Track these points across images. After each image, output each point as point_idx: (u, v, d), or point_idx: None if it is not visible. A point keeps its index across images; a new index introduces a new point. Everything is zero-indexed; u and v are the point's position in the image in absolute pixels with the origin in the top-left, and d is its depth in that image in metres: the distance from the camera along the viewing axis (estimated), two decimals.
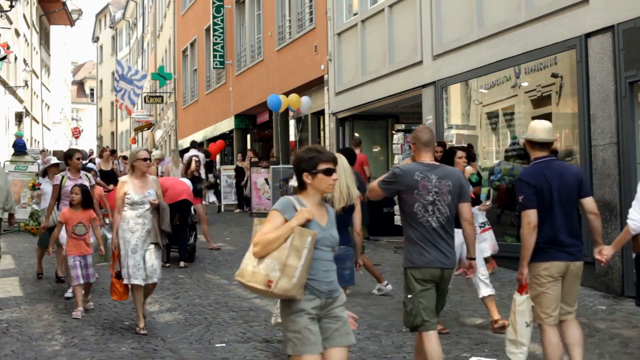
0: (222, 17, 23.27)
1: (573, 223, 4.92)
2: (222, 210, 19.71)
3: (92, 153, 22.11)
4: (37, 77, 39.45)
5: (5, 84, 29.37)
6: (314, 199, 3.91)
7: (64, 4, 39.16)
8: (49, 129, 45.57)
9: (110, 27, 62.28)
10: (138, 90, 25.51)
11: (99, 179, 11.75)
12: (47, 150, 23.15)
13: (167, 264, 10.23)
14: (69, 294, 8.29)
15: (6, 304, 8.22)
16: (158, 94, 33.94)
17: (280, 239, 3.70)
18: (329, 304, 3.86)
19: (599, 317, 7.09)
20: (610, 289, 7.88)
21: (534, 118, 10.11)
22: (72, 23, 43.82)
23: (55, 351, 6.30)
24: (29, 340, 6.68)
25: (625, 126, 7.82)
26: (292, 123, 19.10)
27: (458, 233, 5.88)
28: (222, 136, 24.83)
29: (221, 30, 23.26)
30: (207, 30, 25.08)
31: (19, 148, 17.32)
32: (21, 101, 33.64)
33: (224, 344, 6.46)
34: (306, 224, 3.76)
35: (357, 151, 13.25)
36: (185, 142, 26.12)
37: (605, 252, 4.93)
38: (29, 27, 36.13)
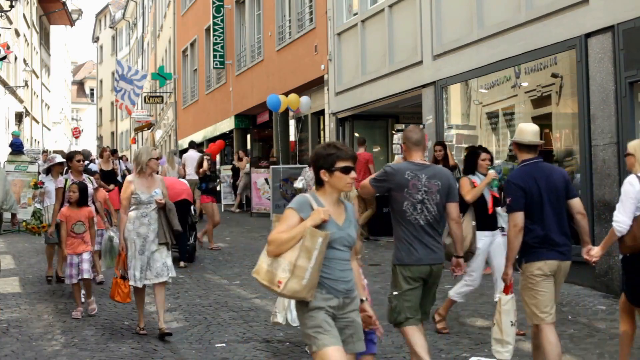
0: (222, 17, 23.27)
1: (563, 223, 4.99)
2: (222, 210, 19.72)
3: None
4: (37, 77, 39.46)
5: (5, 84, 29.37)
6: (331, 197, 3.81)
7: (64, 4, 39.17)
8: (49, 129, 45.57)
9: (110, 27, 62.29)
10: (138, 90, 25.52)
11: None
12: (48, 150, 23.10)
13: None
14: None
15: (6, 304, 8.22)
16: (158, 94, 33.94)
17: (294, 239, 3.63)
18: (345, 305, 3.78)
19: (599, 317, 7.09)
20: (610, 289, 7.87)
21: (534, 118, 10.14)
22: (72, 23, 43.83)
23: (55, 351, 6.30)
24: (29, 340, 6.69)
25: (625, 126, 7.82)
26: (292, 123, 19.10)
27: (481, 236, 5.91)
28: (222, 136, 24.83)
29: (221, 30, 23.26)
30: (207, 30, 25.08)
31: (16, 147, 17.31)
32: (21, 101, 33.64)
33: (224, 344, 6.46)
34: (322, 224, 3.67)
35: (361, 150, 13.26)
36: (185, 142, 26.09)
37: (593, 253, 5.03)
38: (29, 27, 36.13)
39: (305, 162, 17.37)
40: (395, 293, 4.95)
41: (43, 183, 9.42)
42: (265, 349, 6.28)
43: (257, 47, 21.09)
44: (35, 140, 37.67)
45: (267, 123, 21.49)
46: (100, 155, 15.43)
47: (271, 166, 16.69)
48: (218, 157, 23.58)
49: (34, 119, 37.96)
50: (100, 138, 66.87)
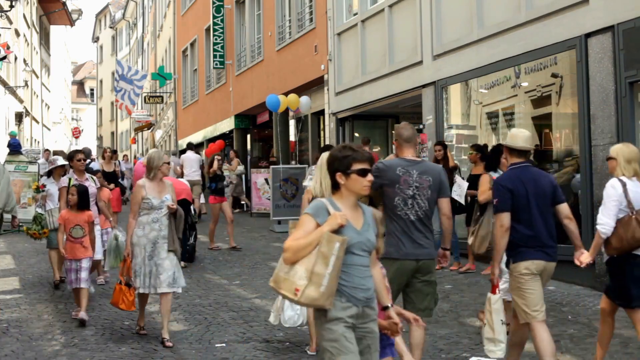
0: (222, 17, 23.27)
1: (549, 226, 5.10)
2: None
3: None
4: (37, 77, 39.46)
5: (5, 84, 29.37)
6: (348, 201, 3.68)
7: (64, 4, 39.16)
8: (49, 129, 45.57)
9: (110, 27, 62.29)
10: (138, 90, 25.52)
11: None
12: (49, 150, 23.03)
13: None
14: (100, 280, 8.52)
15: (6, 304, 8.22)
16: (158, 94, 33.94)
17: (311, 245, 3.50)
18: (365, 315, 3.64)
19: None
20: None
21: (534, 118, 10.15)
22: (72, 23, 43.82)
23: (55, 351, 6.31)
24: (29, 340, 6.69)
25: (625, 126, 7.82)
26: (292, 123, 19.10)
27: None
28: (222, 136, 24.82)
29: (221, 30, 23.26)
30: (207, 30, 25.08)
31: (14, 148, 17.31)
32: (21, 101, 33.64)
33: (224, 344, 6.46)
34: (340, 229, 3.54)
35: (365, 149, 13.25)
36: (185, 143, 26.07)
37: (582, 259, 5.14)
38: (29, 27, 36.13)
39: (306, 162, 17.39)
40: None
41: (45, 186, 9.24)
42: (265, 349, 6.28)
43: (257, 47, 21.09)
44: (35, 140, 37.67)
45: (267, 123, 21.49)
46: (102, 156, 15.44)
47: (271, 166, 16.68)
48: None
49: (34, 119, 37.96)
50: (100, 138, 66.88)
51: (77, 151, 8.72)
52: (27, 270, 10.64)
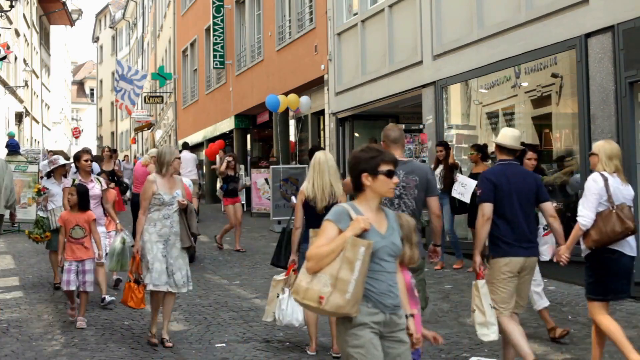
0: (222, 17, 23.27)
1: (530, 223, 5.29)
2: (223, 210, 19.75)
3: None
4: (37, 77, 39.46)
5: (5, 84, 29.37)
6: (371, 204, 3.56)
7: (64, 4, 39.16)
8: (49, 129, 45.58)
9: (110, 27, 62.30)
10: (138, 90, 25.53)
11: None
12: (49, 151, 23.03)
13: None
14: (105, 299, 7.91)
15: (6, 304, 8.22)
16: (158, 94, 33.94)
17: (335, 252, 3.37)
18: (393, 323, 3.51)
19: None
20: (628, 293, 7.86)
21: (534, 118, 10.15)
22: (72, 23, 43.83)
23: (55, 351, 6.30)
24: (29, 340, 6.69)
25: (625, 126, 7.83)
26: (292, 123, 19.10)
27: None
28: (222, 136, 24.82)
29: (221, 30, 23.26)
30: (207, 30, 25.08)
31: (12, 148, 17.30)
32: (21, 101, 33.65)
33: (224, 344, 6.46)
34: (363, 234, 3.41)
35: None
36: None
37: (560, 254, 5.28)
38: (29, 27, 36.13)
39: (306, 162, 17.37)
40: None
41: (46, 189, 9.07)
42: (265, 349, 6.28)
43: (257, 47, 21.09)
44: (35, 140, 37.68)
45: (267, 123, 21.50)
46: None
47: (271, 166, 16.69)
48: (218, 157, 23.56)
49: (34, 119, 37.96)
50: (100, 138, 66.89)
51: (83, 152, 8.49)
52: (27, 270, 10.64)
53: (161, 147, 6.83)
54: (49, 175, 8.96)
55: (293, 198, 10.36)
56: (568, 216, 7.88)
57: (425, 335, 3.93)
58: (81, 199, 7.20)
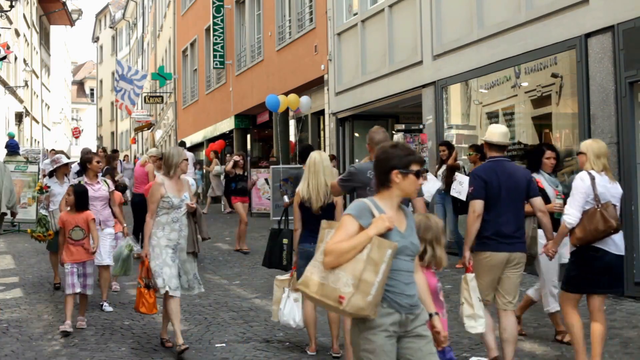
0: (222, 17, 23.27)
1: (518, 219, 5.38)
2: (224, 210, 19.77)
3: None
4: (37, 77, 39.47)
5: (5, 84, 29.37)
6: (393, 202, 3.47)
7: (64, 4, 39.18)
8: (49, 129, 45.58)
9: (110, 27, 62.31)
10: (138, 90, 25.52)
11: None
12: (50, 150, 22.93)
13: None
14: (103, 307, 7.81)
15: (6, 304, 8.22)
16: (158, 94, 33.95)
17: (356, 249, 3.26)
18: (410, 322, 3.43)
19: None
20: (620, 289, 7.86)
21: (534, 118, 10.15)
22: (72, 23, 43.84)
23: (55, 351, 6.30)
24: (29, 340, 6.68)
25: (625, 126, 7.82)
26: (292, 123, 19.11)
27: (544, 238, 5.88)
28: (222, 136, 24.84)
29: (221, 30, 23.26)
30: (207, 30, 25.08)
31: (12, 148, 17.33)
32: (21, 101, 33.65)
33: (224, 344, 6.46)
34: (386, 233, 3.32)
35: None
36: (185, 143, 26.10)
37: (548, 249, 5.44)
38: (29, 27, 36.13)
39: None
40: None
41: (48, 187, 9.00)
42: (265, 349, 6.28)
43: (257, 47, 21.09)
44: (35, 140, 37.68)
45: (267, 123, 21.50)
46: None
47: (271, 166, 16.69)
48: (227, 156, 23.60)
49: (34, 119, 37.97)
50: (100, 138, 66.88)
51: (95, 153, 8.25)
52: (27, 270, 10.64)
53: (168, 148, 6.64)
54: (51, 174, 8.85)
55: (285, 198, 10.37)
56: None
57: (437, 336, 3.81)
58: (78, 199, 7.06)
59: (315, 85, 16.90)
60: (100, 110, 67.89)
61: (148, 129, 41.46)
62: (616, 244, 5.27)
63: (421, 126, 12.28)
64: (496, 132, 5.55)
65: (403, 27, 12.79)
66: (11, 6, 25.94)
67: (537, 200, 5.45)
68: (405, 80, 12.61)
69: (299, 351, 6.19)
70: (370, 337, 3.34)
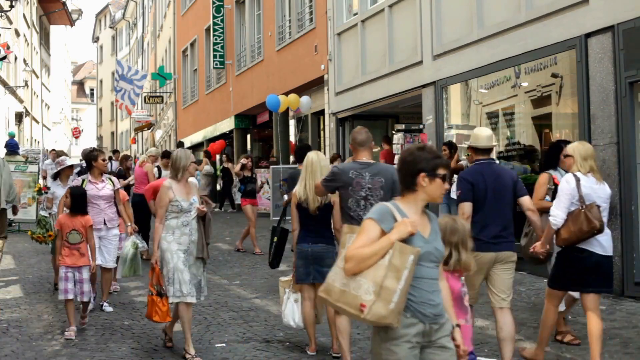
0: (222, 17, 23.28)
1: (505, 219, 5.43)
2: (222, 209, 19.78)
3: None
4: (37, 77, 39.47)
5: (5, 84, 29.37)
6: (417, 206, 3.34)
7: (64, 4, 39.18)
8: (49, 129, 45.59)
9: (110, 27, 62.32)
10: (138, 90, 25.54)
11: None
12: (50, 150, 22.89)
13: None
14: (104, 307, 7.69)
15: (6, 304, 8.22)
16: (158, 94, 33.95)
17: (378, 254, 3.13)
18: (434, 332, 3.30)
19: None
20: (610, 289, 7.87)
21: (534, 118, 10.15)
22: (72, 23, 43.84)
23: (55, 351, 6.30)
24: (29, 340, 6.68)
25: (625, 126, 7.82)
26: (292, 123, 19.11)
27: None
28: (222, 136, 24.85)
29: (221, 30, 23.27)
30: (207, 30, 25.09)
31: (11, 148, 17.33)
32: (21, 101, 33.65)
33: (224, 344, 6.46)
34: (408, 238, 3.19)
35: (387, 147, 13.21)
36: (185, 143, 26.10)
37: (536, 248, 5.53)
38: (29, 27, 36.13)
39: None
40: None
41: (47, 188, 8.86)
42: (265, 349, 6.28)
43: (257, 47, 21.09)
44: (35, 140, 37.68)
45: (267, 123, 21.51)
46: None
47: (271, 166, 16.69)
48: (218, 157, 23.61)
49: (34, 119, 37.97)
50: (100, 138, 66.90)
51: (100, 151, 8.04)
52: (27, 270, 10.64)
53: (176, 151, 6.45)
54: (55, 177, 8.64)
55: (285, 197, 10.37)
56: None
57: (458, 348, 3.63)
58: (75, 202, 6.82)
59: (315, 85, 16.90)
60: (100, 110, 67.90)
61: (148, 129, 41.46)
62: (601, 244, 5.36)
63: (421, 126, 12.28)
64: (482, 136, 5.65)
65: (403, 27, 12.79)
66: (11, 6, 25.94)
67: (526, 200, 5.51)
68: (405, 80, 12.61)
69: (299, 351, 6.19)
70: (393, 347, 3.22)
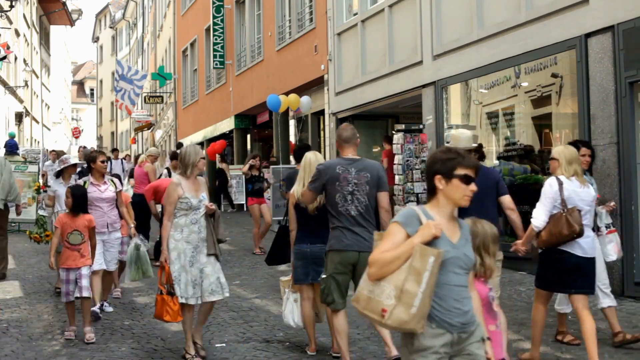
0: (222, 17, 23.27)
1: (489, 218, 5.37)
2: (222, 209, 19.77)
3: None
4: (37, 77, 39.47)
5: (5, 84, 29.37)
6: (444, 210, 3.23)
7: (64, 4, 39.19)
8: (49, 129, 45.59)
9: (110, 27, 62.33)
10: (138, 90, 25.55)
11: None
12: (55, 151, 22.82)
13: None
14: (104, 307, 7.60)
15: (6, 304, 8.22)
16: (158, 94, 33.95)
17: (400, 259, 3.05)
18: (462, 340, 3.17)
19: (599, 317, 7.07)
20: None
21: (534, 118, 10.15)
22: (72, 23, 43.85)
23: (55, 351, 6.30)
24: (29, 340, 6.68)
25: (625, 126, 7.83)
26: (292, 123, 19.11)
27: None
28: (222, 136, 24.84)
29: (221, 30, 23.26)
30: (207, 30, 25.08)
31: (10, 148, 17.34)
32: (21, 101, 33.65)
33: (224, 344, 6.46)
34: (433, 241, 3.09)
35: (388, 147, 13.15)
36: (185, 143, 26.11)
37: (517, 248, 5.64)
38: (29, 27, 36.14)
39: None
40: (323, 276, 5.43)
41: (46, 187, 8.73)
42: (265, 349, 6.28)
43: (257, 47, 21.09)
44: (35, 140, 37.68)
45: (267, 123, 21.50)
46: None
47: (271, 166, 16.69)
48: (218, 157, 23.61)
49: (34, 119, 37.98)
50: (100, 138, 66.91)
51: (100, 152, 7.91)
52: (27, 270, 10.63)
53: (185, 147, 6.30)
54: (57, 175, 8.42)
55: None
56: None
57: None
58: (76, 202, 6.63)
59: (315, 85, 16.90)
60: (100, 110, 67.90)
61: (148, 129, 41.47)
62: (582, 247, 5.42)
63: (421, 126, 12.28)
64: (461, 138, 5.77)
65: (403, 27, 12.79)
66: (11, 6, 25.94)
67: (506, 199, 5.62)
68: (405, 80, 12.61)
69: (299, 351, 6.19)
70: (420, 358, 3.13)
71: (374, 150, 16.18)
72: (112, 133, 63.77)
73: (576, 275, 5.40)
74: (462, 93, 11.71)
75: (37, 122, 39.43)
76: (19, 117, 33.37)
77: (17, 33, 32.05)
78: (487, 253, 3.77)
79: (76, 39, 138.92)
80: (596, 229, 6.28)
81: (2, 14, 26.59)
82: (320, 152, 13.22)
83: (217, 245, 6.06)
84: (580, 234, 5.32)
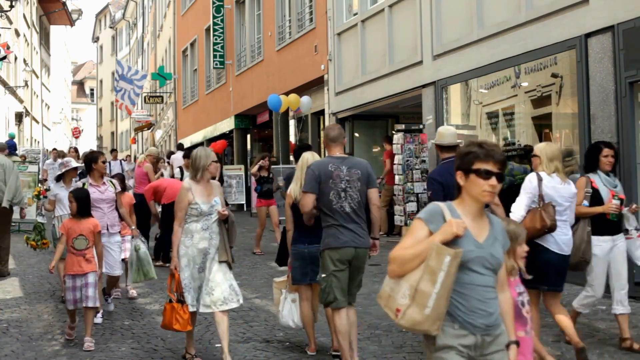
0: (222, 17, 23.28)
1: None
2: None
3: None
4: (37, 77, 39.48)
5: (5, 84, 29.38)
6: (470, 208, 3.08)
7: (64, 4, 39.19)
8: (49, 129, 45.60)
9: (110, 27, 62.35)
10: (138, 90, 25.53)
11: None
12: (56, 150, 22.74)
13: (167, 264, 10.19)
14: (98, 319, 7.23)
15: (6, 304, 8.22)
16: (158, 94, 33.96)
17: (420, 256, 2.94)
18: (486, 344, 3.04)
19: (598, 317, 7.09)
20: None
21: (534, 118, 10.15)
22: (72, 23, 43.86)
23: (55, 351, 6.30)
24: (29, 340, 6.68)
25: (625, 126, 7.83)
26: (292, 123, 19.11)
27: (599, 241, 5.87)
28: (222, 136, 24.84)
29: (221, 30, 23.27)
30: (207, 30, 25.09)
31: (9, 149, 17.31)
32: (21, 101, 33.66)
33: None
34: (455, 240, 2.96)
35: (388, 147, 13.13)
36: (185, 143, 26.09)
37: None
38: (29, 27, 36.14)
39: None
40: (323, 275, 5.45)
41: (47, 192, 8.59)
42: (265, 349, 6.28)
43: (257, 47, 21.10)
44: (35, 140, 37.69)
45: (267, 123, 21.50)
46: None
47: (271, 166, 16.69)
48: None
49: (34, 119, 37.98)
50: (100, 138, 66.93)
51: (100, 153, 7.75)
52: (27, 270, 10.63)
53: (196, 150, 6.00)
54: (58, 179, 8.25)
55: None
56: None
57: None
58: (80, 205, 6.43)
59: (315, 85, 16.90)
60: (100, 110, 67.91)
61: (148, 129, 41.47)
62: (557, 242, 5.49)
63: (421, 126, 12.28)
64: (446, 134, 5.79)
65: (403, 27, 12.79)
66: (11, 6, 25.94)
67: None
68: (405, 80, 12.61)
69: (299, 351, 6.19)
70: (443, 355, 3.02)
71: (374, 150, 16.18)
72: (112, 133, 63.78)
73: (548, 271, 5.47)
74: (462, 93, 11.71)
75: (37, 122, 39.44)
76: (19, 117, 33.37)
77: (17, 33, 32.06)
78: (513, 254, 3.69)
79: (76, 39, 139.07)
80: (625, 231, 6.11)
81: (2, 14, 26.59)
82: (320, 152, 13.24)
83: (230, 252, 5.84)
84: (552, 228, 5.39)
